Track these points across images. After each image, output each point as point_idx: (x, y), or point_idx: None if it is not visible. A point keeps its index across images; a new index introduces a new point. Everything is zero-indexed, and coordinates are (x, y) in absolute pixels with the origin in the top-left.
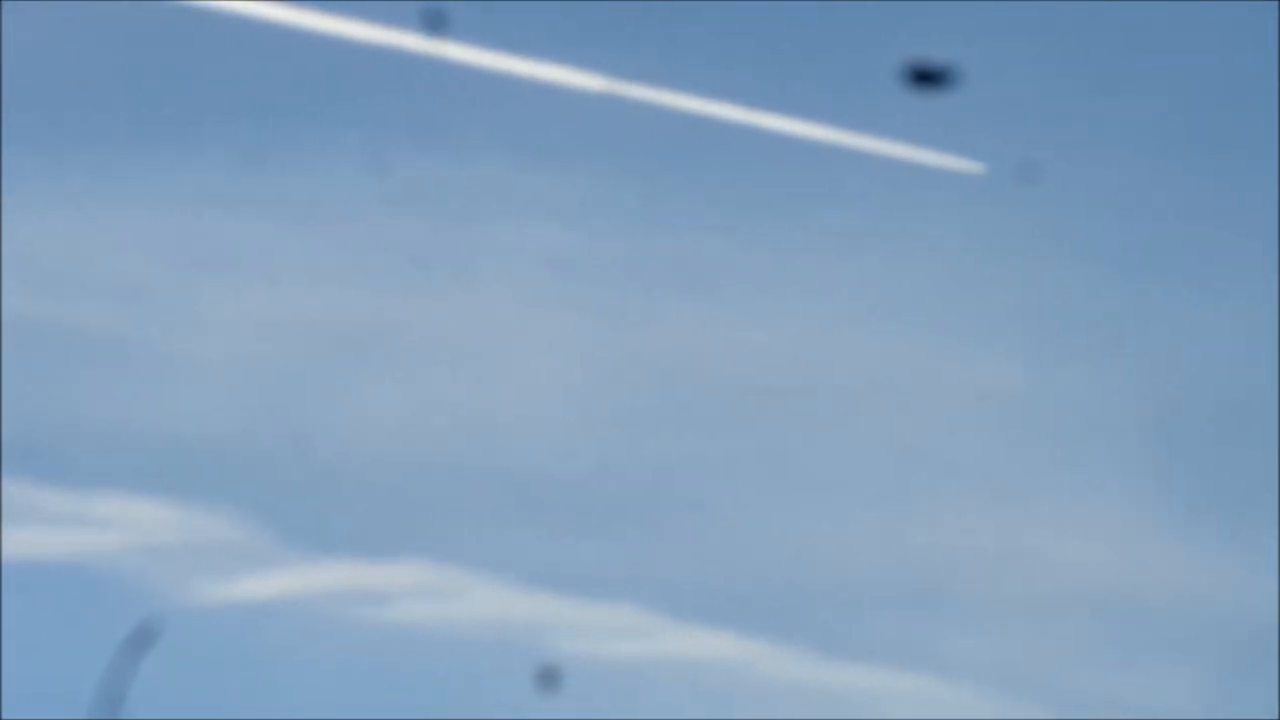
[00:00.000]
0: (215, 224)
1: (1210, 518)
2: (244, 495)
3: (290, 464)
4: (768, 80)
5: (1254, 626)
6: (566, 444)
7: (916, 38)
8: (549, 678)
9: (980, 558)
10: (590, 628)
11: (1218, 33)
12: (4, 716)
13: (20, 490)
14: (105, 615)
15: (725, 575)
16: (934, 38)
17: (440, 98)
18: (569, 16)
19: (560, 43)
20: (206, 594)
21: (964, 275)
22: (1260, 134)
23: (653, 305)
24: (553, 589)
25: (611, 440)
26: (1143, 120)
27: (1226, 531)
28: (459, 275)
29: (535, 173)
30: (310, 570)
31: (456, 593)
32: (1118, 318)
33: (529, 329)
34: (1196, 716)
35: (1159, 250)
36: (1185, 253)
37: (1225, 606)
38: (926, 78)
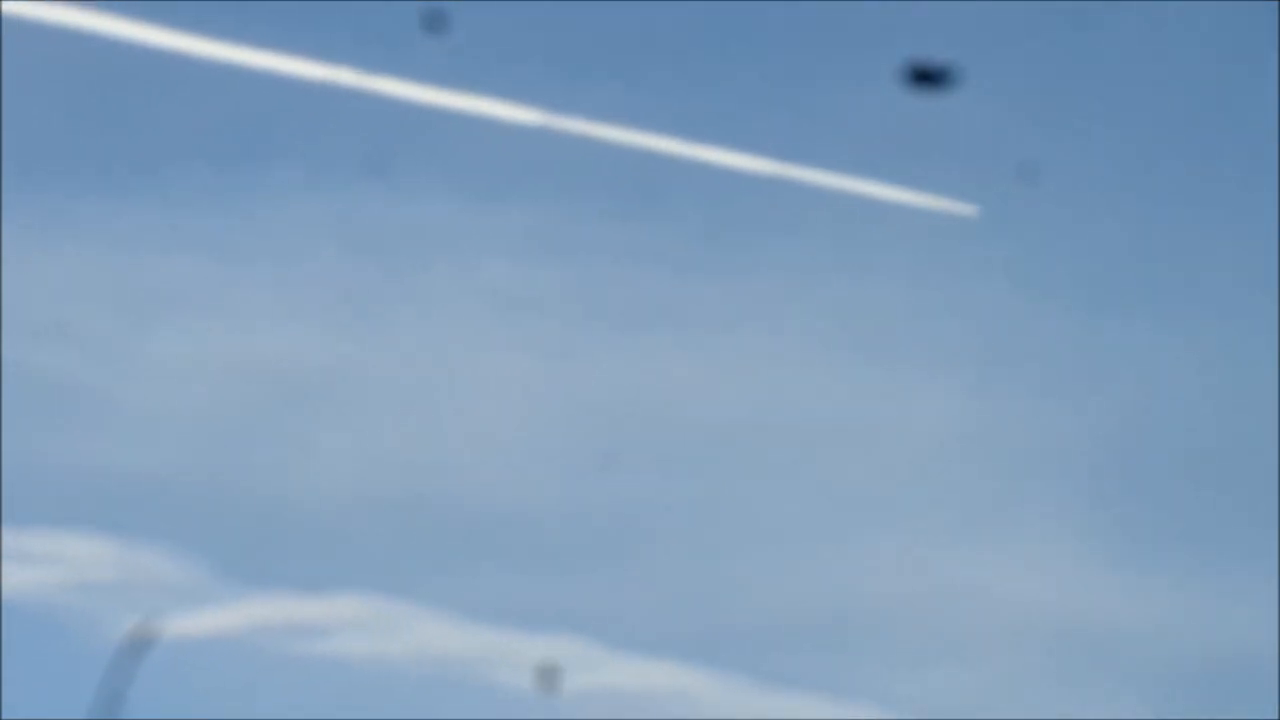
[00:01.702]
0: (157, 265)
1: (1152, 552)
2: (182, 532)
3: (229, 501)
4: (713, 114)
5: (1198, 658)
6: (509, 481)
7: (858, 74)
8: (549, 678)
9: (923, 592)
10: (528, 660)
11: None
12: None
13: None
14: (42, 651)
15: (666, 607)
16: (862, 72)
17: (381, 134)
18: (504, 51)
19: (497, 78)
20: (144, 631)
21: (915, 312)
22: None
23: (600, 342)
24: (492, 623)
25: (554, 477)
26: (1108, 148)
27: (1170, 565)
28: (403, 314)
29: (478, 209)
30: (248, 605)
31: (395, 627)
32: (1067, 355)
33: (474, 366)
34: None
35: (1111, 288)
36: (1140, 292)
37: (1168, 639)
38: (926, 78)
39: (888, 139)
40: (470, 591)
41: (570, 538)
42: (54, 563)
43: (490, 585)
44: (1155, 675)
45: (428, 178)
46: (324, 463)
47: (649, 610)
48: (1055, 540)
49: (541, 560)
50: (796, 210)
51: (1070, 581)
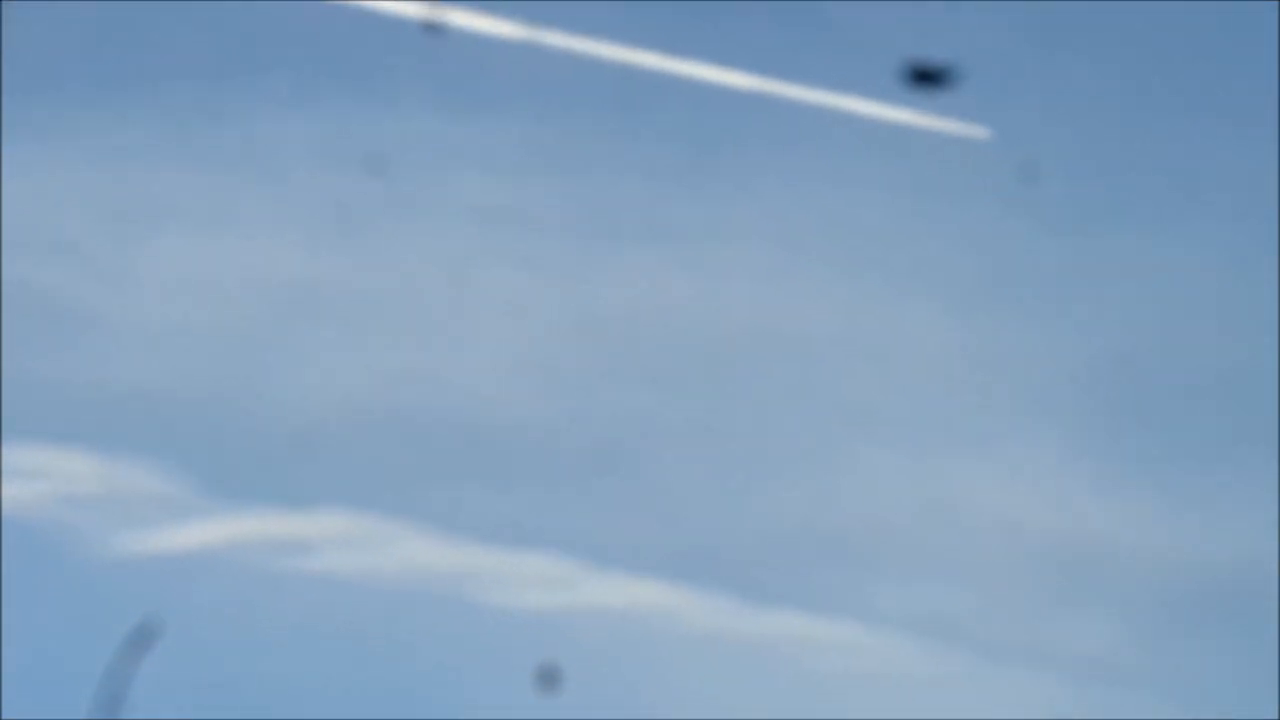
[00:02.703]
0: (148, 179)
1: (1143, 470)
2: (168, 447)
3: (216, 416)
4: (700, 29)
5: (1181, 576)
6: (498, 396)
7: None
8: (549, 677)
9: (909, 507)
10: (513, 577)
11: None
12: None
13: None
14: (29, 565)
15: (651, 524)
16: None
17: (368, 50)
18: None
19: None
20: (130, 545)
21: (914, 230)
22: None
23: (591, 256)
24: (476, 538)
25: (543, 392)
26: (1117, 87)
27: (1160, 484)
28: (394, 229)
29: (467, 124)
30: (233, 520)
31: (379, 543)
32: (1066, 277)
33: (464, 281)
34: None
35: (1107, 212)
36: (1143, 217)
37: (1157, 558)
38: (926, 77)
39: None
40: (457, 508)
41: (559, 454)
42: (40, 477)
43: (477, 501)
44: (1143, 594)
45: (415, 93)
46: (312, 378)
47: (636, 528)
48: (1045, 458)
49: (529, 476)
50: (796, 128)
51: (1059, 499)
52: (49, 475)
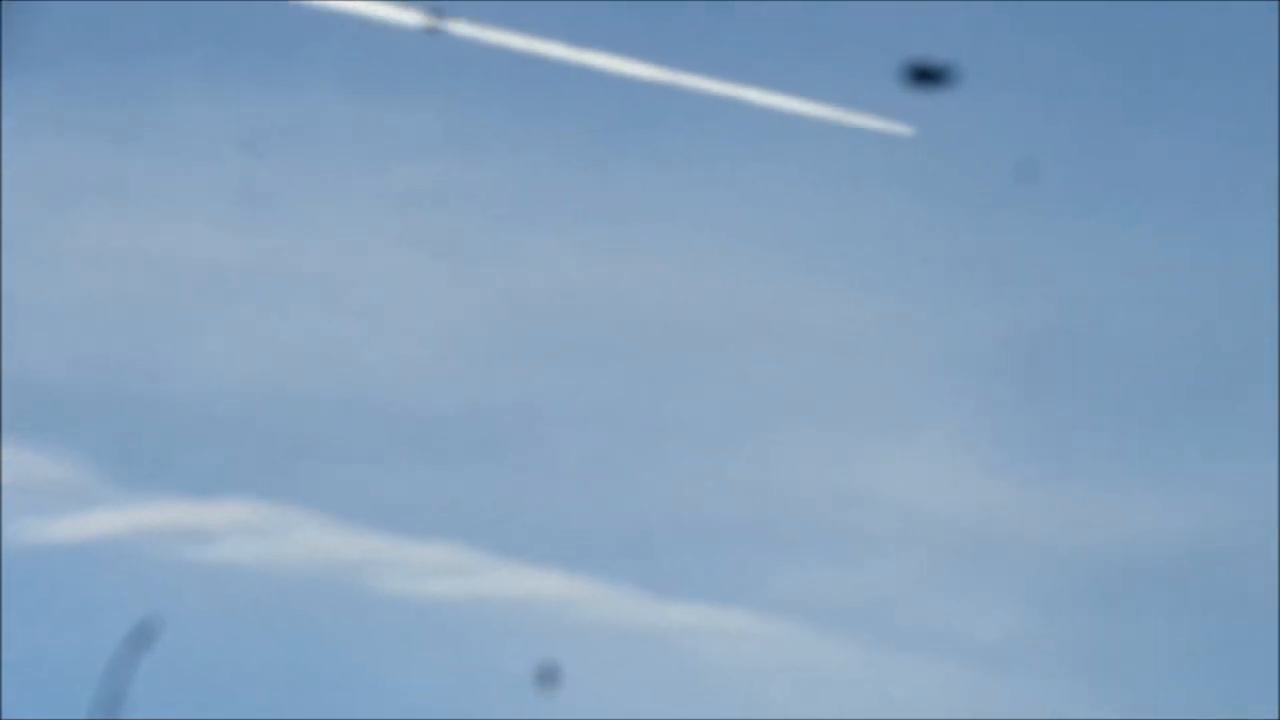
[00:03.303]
0: (53, 154)
1: (1047, 458)
2: (70, 434)
3: (117, 401)
4: (623, 21)
5: (1081, 562)
6: (402, 381)
7: None
8: (548, 677)
9: (812, 495)
10: (415, 565)
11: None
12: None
13: None
14: None
15: (553, 513)
16: None
17: (274, 34)
18: None
19: None
20: (32, 533)
21: (825, 219)
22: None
23: (499, 239)
24: (378, 527)
25: (444, 377)
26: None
27: (1063, 470)
28: (301, 212)
29: (374, 109)
30: (136, 509)
31: (281, 531)
32: (975, 265)
33: (371, 264)
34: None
35: (1021, 202)
36: (1049, 204)
37: (1053, 543)
38: (926, 76)
39: (841, 56)
40: (359, 496)
41: (462, 441)
42: None
43: (380, 489)
44: (1043, 581)
45: (321, 79)
46: (215, 363)
47: (537, 516)
48: (950, 446)
49: (432, 464)
50: (712, 119)
51: (962, 487)
52: None
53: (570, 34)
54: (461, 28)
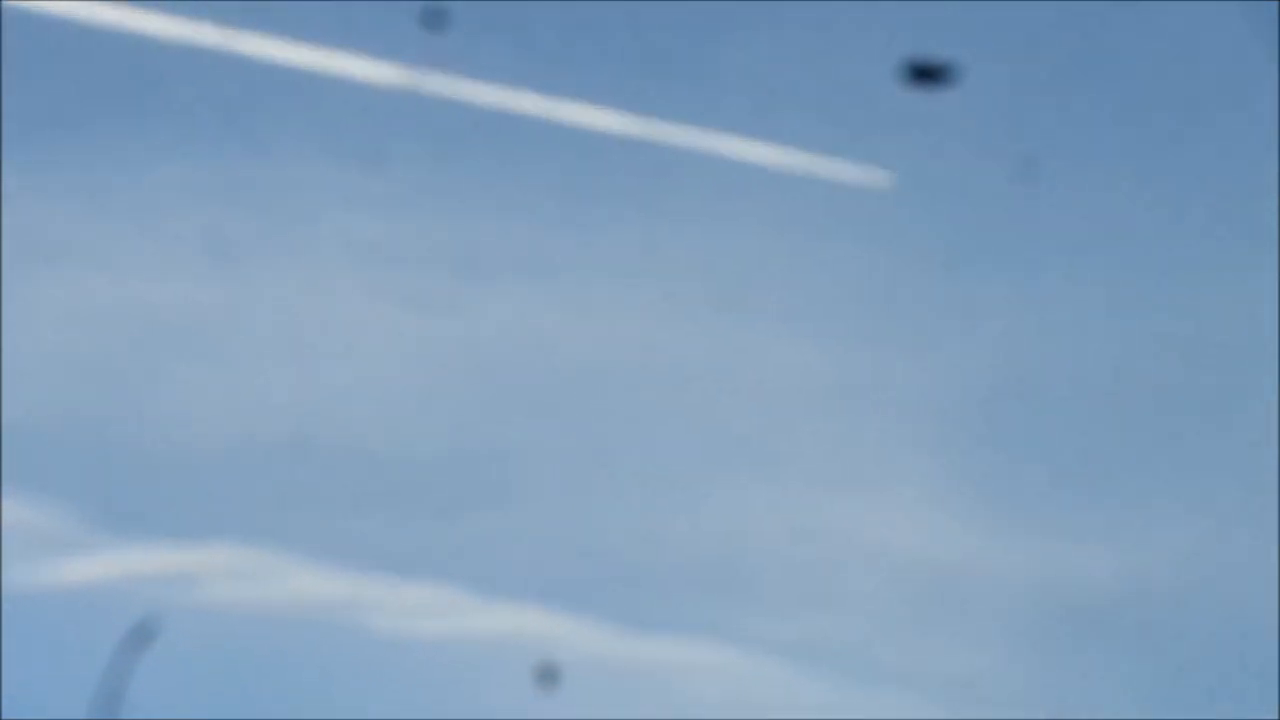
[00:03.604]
0: (31, 216)
1: (1005, 501)
2: (52, 480)
3: (100, 448)
4: (578, 73)
5: (1044, 600)
6: (379, 428)
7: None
8: (547, 677)
9: (782, 536)
10: (400, 606)
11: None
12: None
13: None
14: None
15: (532, 554)
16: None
17: (243, 93)
18: (363, 11)
19: (358, 36)
20: (17, 579)
21: (791, 269)
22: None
23: (468, 293)
24: (364, 569)
25: (426, 425)
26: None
27: (1020, 513)
28: (273, 267)
29: (344, 168)
30: (119, 555)
31: (267, 574)
32: (943, 315)
33: (344, 317)
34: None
35: (984, 253)
36: (1018, 254)
37: (1016, 582)
38: (926, 75)
39: (824, 106)
40: (343, 539)
41: (440, 485)
42: None
43: (363, 533)
44: (1007, 618)
45: (292, 138)
46: (197, 411)
47: (517, 556)
48: (914, 490)
49: (413, 508)
50: (676, 171)
51: (928, 528)
52: None
53: (538, 85)
54: (431, 84)
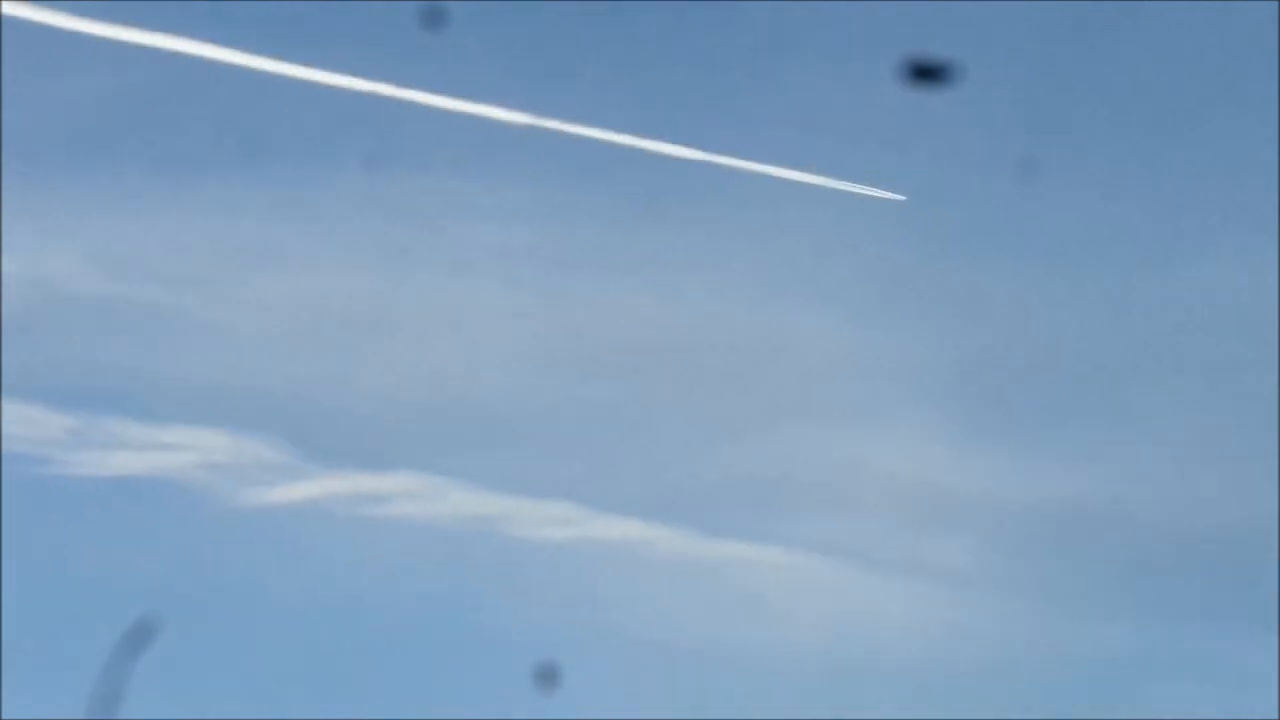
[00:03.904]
0: (249, 232)
1: (991, 435)
2: (278, 425)
3: (313, 401)
4: (661, 116)
5: (1022, 512)
6: (511, 385)
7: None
8: (548, 676)
9: (820, 464)
10: (535, 519)
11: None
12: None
13: (119, 425)
14: (181, 515)
15: (633, 479)
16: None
17: (398, 128)
18: (492, 58)
19: (489, 84)
20: (250, 499)
21: (826, 265)
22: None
23: (575, 282)
24: (508, 491)
25: (545, 382)
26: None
27: (1003, 445)
28: (425, 263)
29: (476, 186)
30: (327, 480)
31: (435, 496)
32: (945, 298)
33: (483, 302)
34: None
35: (980, 248)
36: (1014, 257)
37: (1000, 497)
38: (926, 74)
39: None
40: (489, 468)
41: (565, 428)
42: (186, 450)
43: (502, 463)
44: (992, 525)
45: (438, 162)
46: (382, 373)
47: (621, 481)
48: (920, 429)
49: (540, 444)
50: (743, 190)
51: (929, 458)
52: (193, 448)
53: (630, 126)
54: (549, 123)
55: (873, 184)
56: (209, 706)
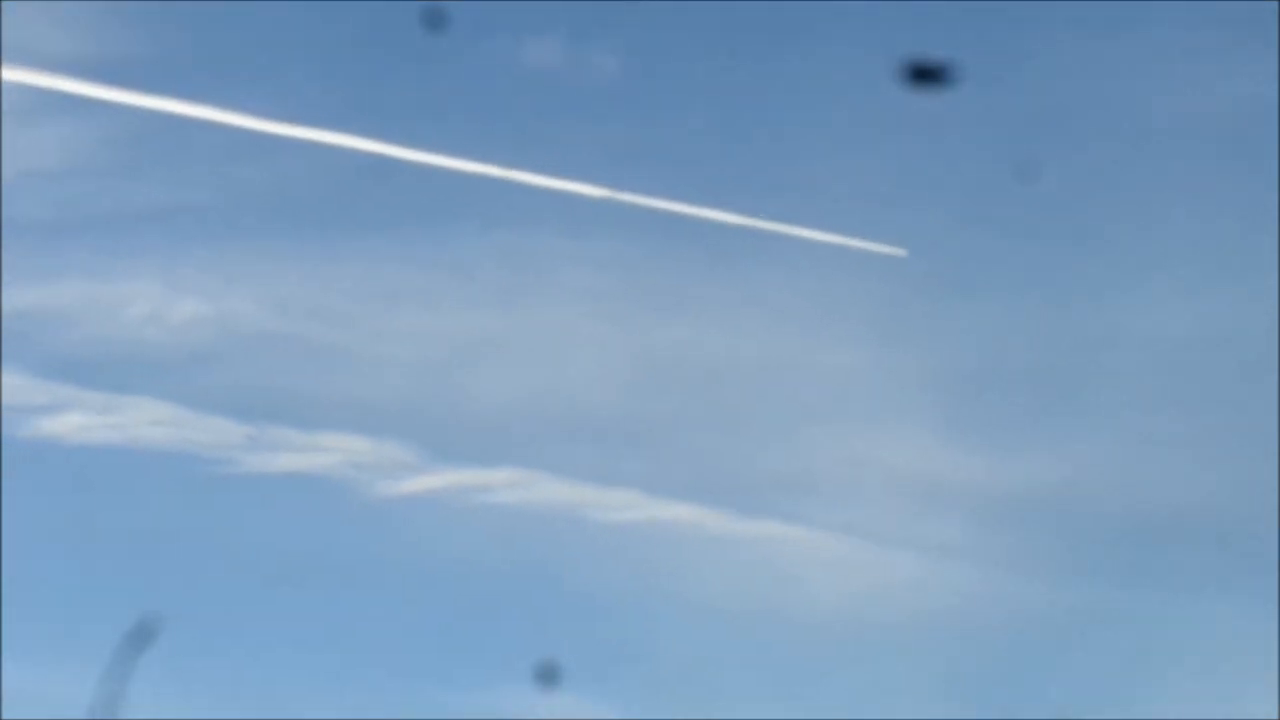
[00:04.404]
0: (383, 278)
1: (975, 432)
2: (408, 431)
3: (435, 412)
4: (711, 185)
5: (1002, 494)
6: (596, 399)
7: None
8: (548, 676)
9: (832, 457)
10: (608, 504)
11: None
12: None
13: (284, 433)
14: (333, 505)
15: (684, 470)
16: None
17: (514, 195)
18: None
19: (564, 163)
20: (385, 491)
21: (836, 303)
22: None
23: (646, 319)
24: (584, 480)
25: (623, 396)
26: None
27: (986, 439)
28: (533, 302)
29: (574, 240)
30: (446, 475)
31: (531, 486)
32: (936, 329)
33: (574, 330)
34: None
35: (973, 286)
36: (994, 288)
37: (984, 482)
38: (926, 75)
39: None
40: (574, 463)
41: (630, 429)
42: (335, 451)
43: (585, 459)
44: (977, 506)
45: (539, 225)
46: (489, 389)
47: (677, 471)
48: (915, 428)
49: (615, 443)
50: (761, 246)
51: (925, 450)
52: (341, 450)
53: (682, 192)
54: (624, 196)
55: (879, 239)
56: (354, 652)
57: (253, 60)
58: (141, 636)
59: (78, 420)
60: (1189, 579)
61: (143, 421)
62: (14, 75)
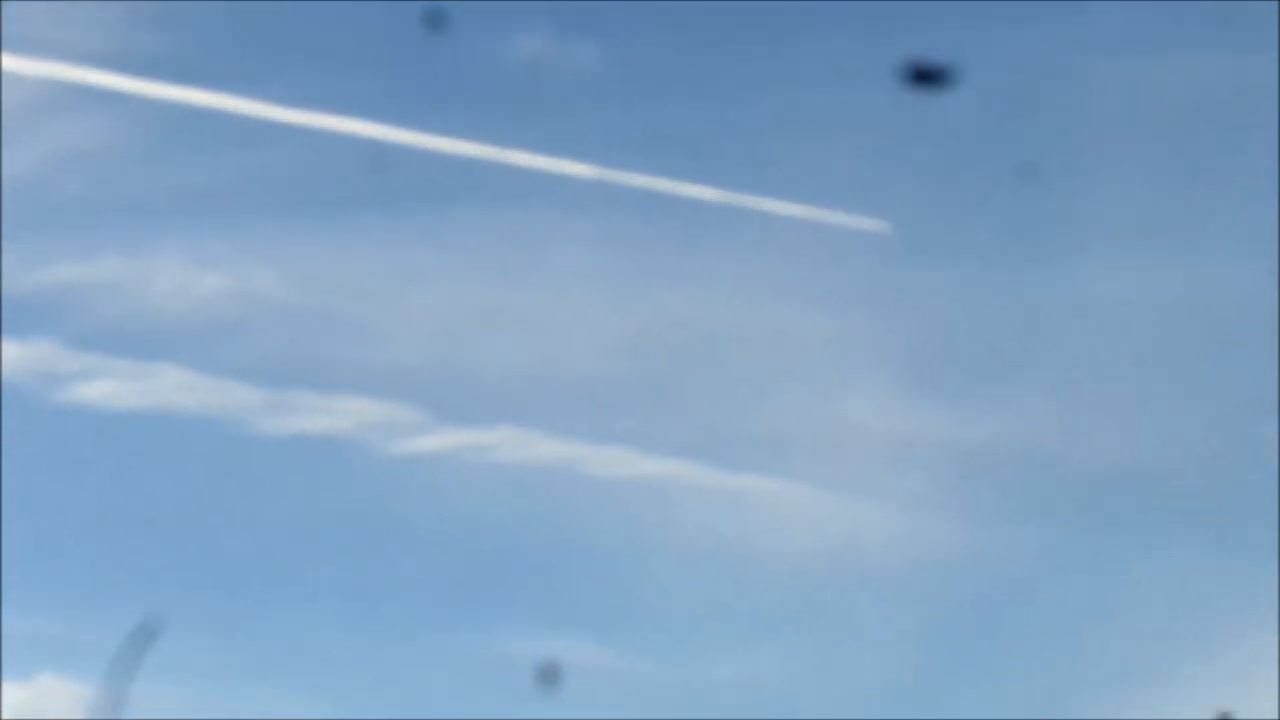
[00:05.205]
0: (393, 252)
1: (944, 394)
2: (413, 394)
3: (440, 376)
4: (692, 162)
5: (965, 452)
6: (589, 363)
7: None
8: (548, 675)
9: (810, 417)
10: (601, 460)
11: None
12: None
13: (298, 396)
14: (344, 463)
15: (676, 427)
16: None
17: (511, 177)
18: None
19: (558, 145)
20: (394, 450)
21: (818, 275)
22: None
23: (636, 289)
24: (581, 439)
25: (614, 360)
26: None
27: (948, 400)
28: (530, 275)
29: (567, 217)
30: (449, 435)
31: (529, 445)
32: (904, 297)
33: (576, 302)
34: None
35: (953, 261)
36: (977, 265)
37: (948, 439)
38: (925, 77)
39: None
40: (568, 422)
41: (621, 391)
42: (346, 414)
43: (579, 418)
44: (942, 460)
45: (534, 203)
46: (490, 355)
47: (665, 430)
48: (886, 390)
49: (607, 403)
50: (745, 221)
51: (901, 411)
52: (351, 413)
53: (667, 168)
54: (612, 174)
55: (859, 212)
56: (363, 598)
57: (270, 55)
58: (143, 637)
59: (108, 387)
60: (1141, 525)
61: (168, 388)
62: (53, 70)
